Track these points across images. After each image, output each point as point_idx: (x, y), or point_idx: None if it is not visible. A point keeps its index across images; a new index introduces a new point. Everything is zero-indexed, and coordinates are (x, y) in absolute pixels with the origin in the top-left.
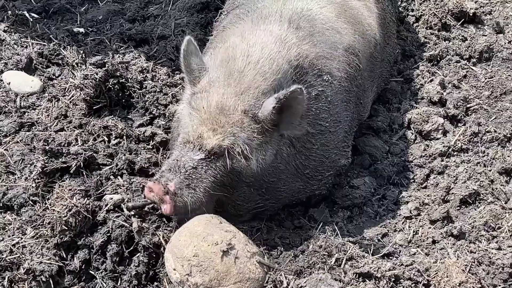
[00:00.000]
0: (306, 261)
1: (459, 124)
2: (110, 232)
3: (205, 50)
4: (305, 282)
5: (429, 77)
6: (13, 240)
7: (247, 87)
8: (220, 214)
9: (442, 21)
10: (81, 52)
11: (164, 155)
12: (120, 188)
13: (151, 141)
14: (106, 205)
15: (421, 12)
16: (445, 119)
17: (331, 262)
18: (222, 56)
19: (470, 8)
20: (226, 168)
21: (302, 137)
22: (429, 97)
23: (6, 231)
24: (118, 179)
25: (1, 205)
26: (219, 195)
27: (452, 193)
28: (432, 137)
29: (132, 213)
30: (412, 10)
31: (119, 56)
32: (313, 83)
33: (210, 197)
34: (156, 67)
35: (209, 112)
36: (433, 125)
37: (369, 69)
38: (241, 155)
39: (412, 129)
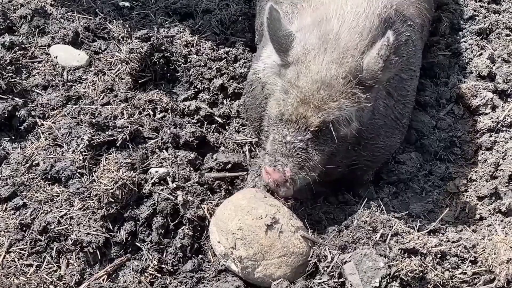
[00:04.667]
0: (350, 236)
1: (508, 99)
2: (156, 205)
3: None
4: (349, 257)
5: (478, 51)
6: (61, 211)
7: (345, 50)
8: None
9: None
10: (127, 26)
11: (208, 129)
12: (166, 162)
13: (196, 115)
14: (151, 178)
15: None
16: (494, 94)
17: (376, 237)
18: (313, 17)
19: None
20: (333, 139)
21: (398, 85)
22: (477, 72)
23: (54, 203)
24: (164, 152)
25: (49, 177)
26: (327, 162)
27: (501, 169)
28: (480, 112)
29: (175, 185)
30: None
31: (164, 30)
32: (401, 29)
33: (322, 167)
34: (201, 41)
35: (310, 89)
36: (481, 100)
37: (422, 18)
38: (346, 123)
39: (460, 104)
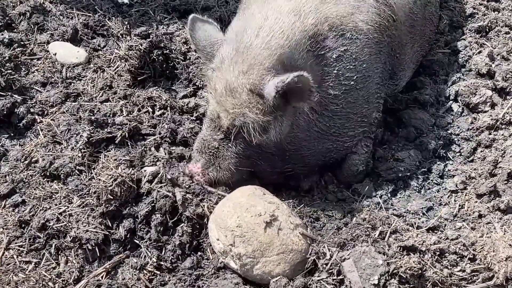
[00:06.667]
0: (349, 233)
1: (507, 97)
2: (155, 202)
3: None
4: (348, 255)
5: (477, 48)
6: (60, 208)
7: (252, 64)
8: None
9: None
10: (126, 23)
11: None
12: (159, 160)
13: (195, 112)
14: (144, 177)
15: None
16: (494, 92)
17: (375, 235)
18: (238, 27)
19: None
20: (245, 144)
21: (324, 100)
22: (477, 69)
23: (53, 200)
24: (159, 150)
25: (48, 174)
26: (248, 166)
27: (500, 167)
28: (479, 109)
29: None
30: None
31: (163, 27)
32: (333, 46)
33: (237, 170)
34: None
35: (220, 94)
36: (481, 97)
37: (408, 24)
38: (255, 132)
39: (459, 101)
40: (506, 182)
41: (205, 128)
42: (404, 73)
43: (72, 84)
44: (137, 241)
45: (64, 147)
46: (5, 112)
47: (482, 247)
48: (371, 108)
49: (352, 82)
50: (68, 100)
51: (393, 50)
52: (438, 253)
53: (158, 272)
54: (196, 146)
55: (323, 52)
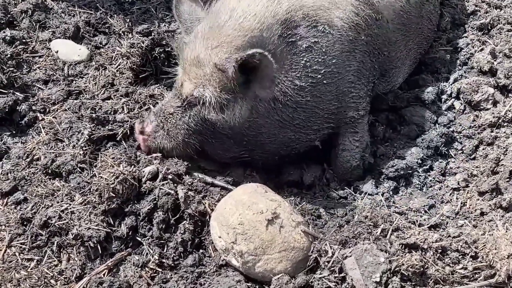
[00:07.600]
0: (351, 231)
1: (509, 94)
2: (157, 199)
3: None
4: (350, 252)
5: (480, 46)
6: (62, 206)
7: (222, 41)
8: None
9: None
10: (128, 20)
11: None
12: (156, 159)
13: None
14: (144, 176)
15: None
16: (496, 89)
17: (376, 232)
18: (215, 8)
19: None
20: (199, 117)
21: (289, 90)
22: (479, 67)
23: (55, 197)
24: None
25: (49, 171)
26: (198, 143)
27: (502, 165)
28: (481, 107)
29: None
30: None
31: (165, 25)
32: (304, 35)
33: (185, 143)
34: None
35: (188, 63)
36: (483, 95)
37: (397, 22)
38: (211, 107)
39: (461, 99)
40: (508, 179)
41: (171, 94)
42: (398, 70)
43: (74, 82)
44: (139, 239)
45: (66, 144)
46: (7, 110)
47: (484, 245)
48: (344, 107)
49: (319, 76)
50: (69, 97)
51: (377, 48)
52: (440, 250)
53: (160, 270)
54: (155, 109)
55: (294, 40)
